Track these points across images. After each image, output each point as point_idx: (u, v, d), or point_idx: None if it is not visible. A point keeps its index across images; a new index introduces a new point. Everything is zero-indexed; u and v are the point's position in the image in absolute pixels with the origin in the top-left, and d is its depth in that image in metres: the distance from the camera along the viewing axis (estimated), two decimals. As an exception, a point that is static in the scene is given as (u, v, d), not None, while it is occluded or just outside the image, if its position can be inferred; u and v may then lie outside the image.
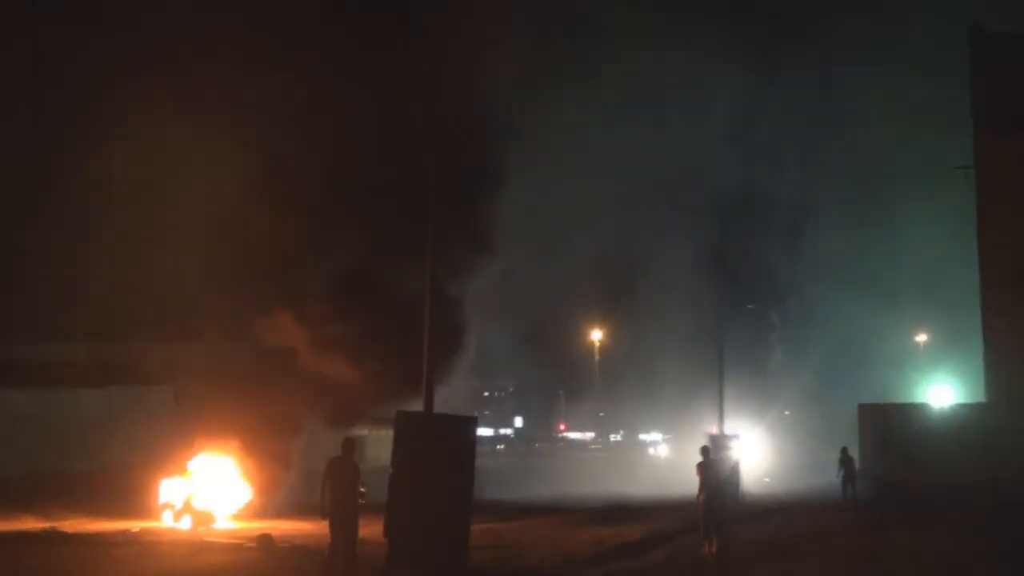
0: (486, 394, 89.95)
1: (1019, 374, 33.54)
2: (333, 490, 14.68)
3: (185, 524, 23.22)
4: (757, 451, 41.03)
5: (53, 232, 26.56)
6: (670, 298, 49.25)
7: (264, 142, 25.69)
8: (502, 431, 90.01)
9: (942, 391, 42.39)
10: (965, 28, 37.85)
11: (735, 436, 35.15)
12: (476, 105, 26.88)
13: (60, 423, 34.74)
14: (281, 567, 17.29)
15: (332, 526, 14.72)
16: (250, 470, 25.53)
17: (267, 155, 25.64)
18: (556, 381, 76.33)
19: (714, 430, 34.82)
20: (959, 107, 37.81)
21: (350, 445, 15.32)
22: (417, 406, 18.53)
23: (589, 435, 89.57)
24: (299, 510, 23.97)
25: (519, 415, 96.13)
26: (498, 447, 71.45)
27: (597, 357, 68.63)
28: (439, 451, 17.02)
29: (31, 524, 22.15)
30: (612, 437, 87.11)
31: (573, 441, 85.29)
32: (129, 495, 25.26)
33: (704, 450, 20.07)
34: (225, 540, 20.52)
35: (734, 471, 31.69)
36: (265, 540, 19.38)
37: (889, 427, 32.79)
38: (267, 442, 26.01)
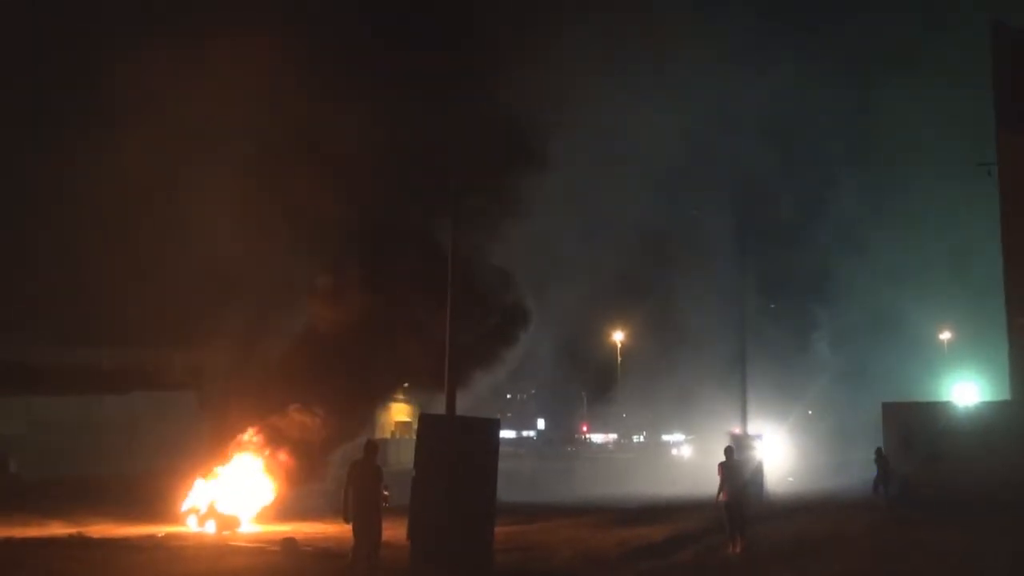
0: (508, 396, 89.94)
1: (1044, 371, 33.35)
2: (356, 493, 14.70)
3: (210, 528, 23.32)
4: (780, 451, 40.89)
5: (75, 238, 26.68)
6: (693, 298, 49.21)
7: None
8: (524, 433, 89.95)
9: (967, 389, 42.07)
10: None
11: (758, 436, 35.03)
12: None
13: (85, 429, 35.02)
14: (305, 570, 17.34)
15: (355, 529, 14.74)
16: (275, 473, 25.63)
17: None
18: (578, 382, 76.20)
19: (737, 430, 34.72)
20: (983, 104, 37.64)
21: (372, 448, 15.34)
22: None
23: (612, 436, 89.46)
24: (323, 513, 24.03)
25: (541, 417, 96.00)
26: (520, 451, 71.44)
27: (619, 358, 68.60)
28: (462, 453, 17.03)
29: (58, 529, 22.26)
30: (635, 438, 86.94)
31: (599, 445, 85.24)
32: (154, 500, 25.39)
33: (728, 450, 20.02)
34: (249, 544, 20.59)
35: (758, 471, 31.59)
36: (289, 544, 19.44)
37: (913, 426, 32.58)
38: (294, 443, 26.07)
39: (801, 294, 62.28)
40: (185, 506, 24.31)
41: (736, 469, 19.88)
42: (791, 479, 40.72)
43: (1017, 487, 27.79)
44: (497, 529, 17.45)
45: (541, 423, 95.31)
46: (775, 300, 58.85)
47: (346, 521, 14.85)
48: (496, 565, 16.98)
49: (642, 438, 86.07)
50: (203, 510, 23.92)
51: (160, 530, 22.59)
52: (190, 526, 23.65)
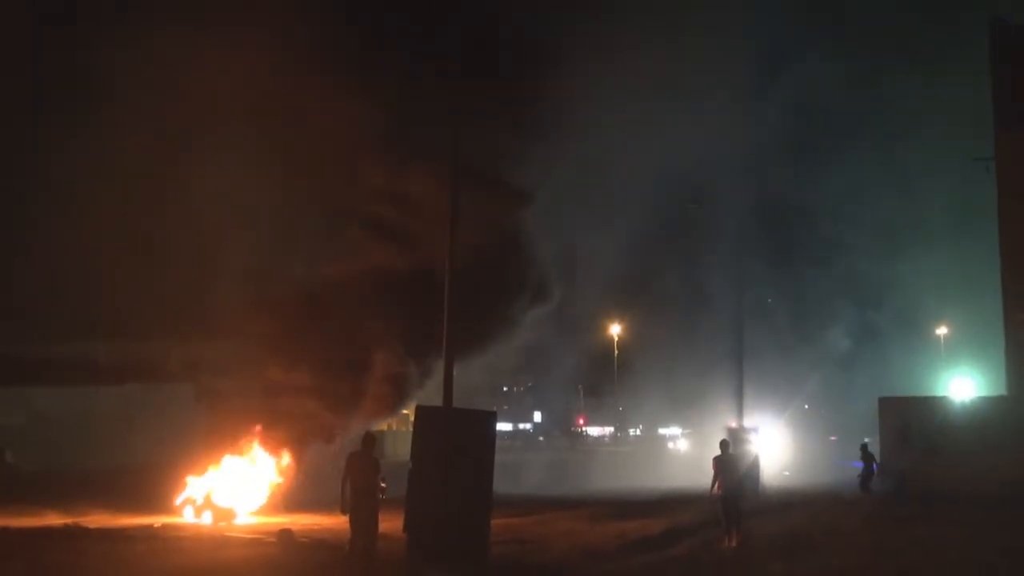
0: (505, 389, 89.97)
1: (1041, 367, 33.39)
2: (353, 485, 14.72)
3: (206, 519, 23.34)
4: (777, 445, 40.92)
5: (72, 229, 26.65)
6: (690, 290, 49.22)
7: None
8: (521, 426, 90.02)
9: (963, 384, 42.14)
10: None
11: (754, 429, 35.07)
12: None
13: (81, 420, 35.09)
14: (301, 562, 17.33)
15: (352, 521, 14.75)
16: (271, 464, 25.67)
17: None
18: (575, 375, 76.24)
19: (733, 424, 34.72)
20: (981, 98, 37.62)
21: (370, 440, 15.36)
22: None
23: (608, 429, 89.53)
24: (320, 505, 24.04)
25: (538, 410, 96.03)
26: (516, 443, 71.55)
27: (616, 351, 68.67)
28: (459, 446, 17.03)
29: (54, 520, 22.28)
30: (631, 431, 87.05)
31: (595, 438, 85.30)
32: (150, 491, 25.40)
33: (723, 444, 20.01)
34: (246, 535, 20.60)
35: (754, 465, 31.60)
36: (285, 535, 19.44)
37: (910, 421, 32.60)
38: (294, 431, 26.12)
39: (799, 288, 62.28)
40: (181, 497, 24.33)
41: (731, 463, 19.87)
42: (787, 473, 40.79)
43: (1014, 482, 27.83)
44: (493, 521, 17.45)
45: (538, 416, 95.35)
46: (772, 294, 58.83)
47: (343, 513, 14.86)
48: (492, 557, 16.98)
49: (639, 431, 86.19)
50: (199, 501, 23.95)
51: (156, 521, 22.60)
52: (186, 517, 23.68)
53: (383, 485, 14.98)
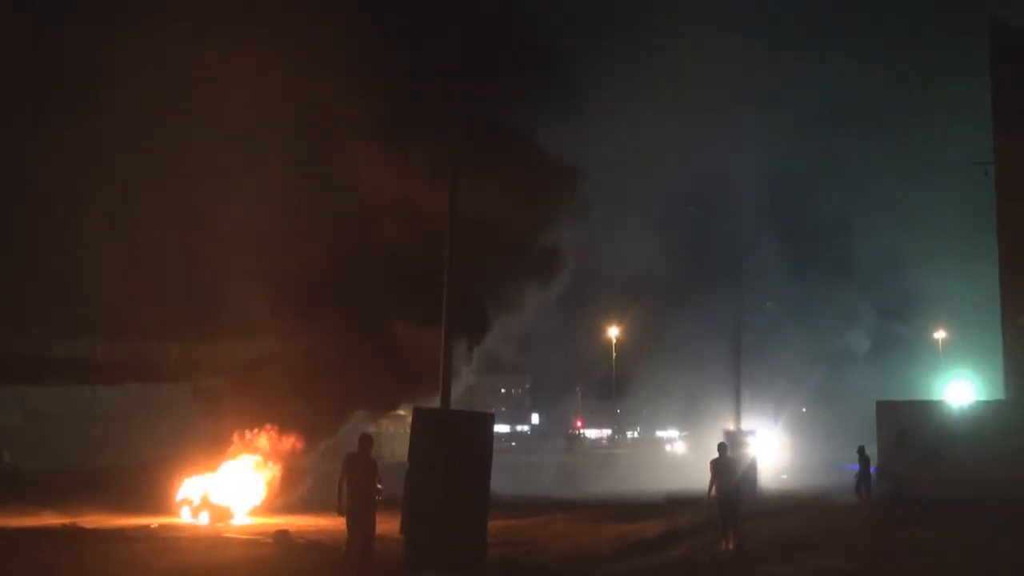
0: (503, 390, 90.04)
1: (1040, 371, 33.41)
2: (350, 486, 14.69)
3: (204, 520, 23.32)
4: (774, 448, 40.92)
5: (71, 228, 26.66)
6: (688, 295, 49.24)
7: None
8: (519, 427, 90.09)
9: (961, 388, 42.11)
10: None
11: (751, 432, 35.08)
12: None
13: (79, 420, 35.04)
14: (298, 563, 17.32)
15: (349, 522, 14.73)
16: (269, 465, 25.65)
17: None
18: (573, 377, 76.27)
19: (731, 427, 34.73)
20: (980, 102, 37.65)
21: (367, 441, 15.33)
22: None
23: (606, 432, 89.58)
24: (317, 506, 24.02)
25: (535, 412, 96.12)
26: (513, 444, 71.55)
27: (614, 354, 68.67)
28: (456, 447, 17.02)
29: (51, 520, 22.26)
30: (629, 434, 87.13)
31: (593, 440, 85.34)
32: (148, 491, 25.39)
33: (720, 447, 20.01)
34: (243, 536, 20.59)
35: (751, 468, 31.59)
36: (282, 536, 19.43)
37: (907, 424, 32.58)
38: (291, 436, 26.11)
39: (798, 291, 62.38)
40: (179, 497, 24.31)
41: (729, 466, 19.86)
42: (785, 476, 40.78)
43: (1011, 486, 27.83)
44: (491, 523, 17.44)
45: (535, 418, 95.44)
46: (772, 297, 58.90)
47: (340, 514, 14.84)
48: (490, 559, 16.97)
49: (636, 434, 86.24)
50: (197, 501, 23.92)
51: (153, 521, 22.59)
52: (184, 517, 23.65)
53: (380, 486, 14.95)
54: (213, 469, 24.81)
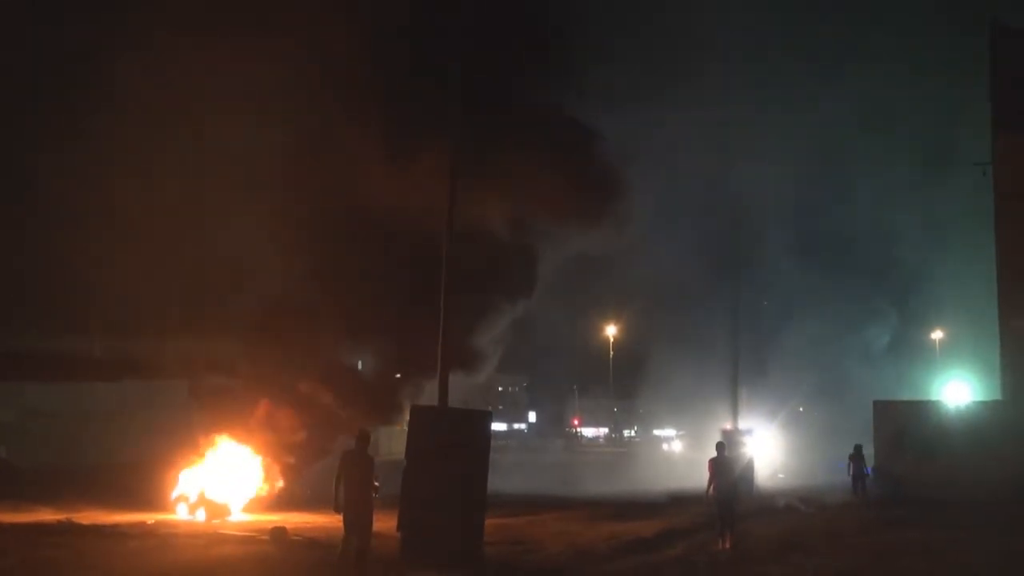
0: (500, 389, 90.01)
1: (1037, 372, 33.41)
2: (347, 483, 14.66)
3: (200, 516, 23.30)
4: (771, 447, 40.93)
5: (67, 224, 26.58)
6: (686, 293, 49.24)
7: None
8: (516, 426, 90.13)
9: (958, 388, 42.14)
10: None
11: (748, 431, 35.08)
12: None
13: (75, 416, 35.00)
14: (295, 560, 17.30)
15: (346, 520, 14.70)
16: (266, 462, 25.64)
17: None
18: (571, 376, 76.30)
19: (728, 426, 34.76)
20: (979, 103, 37.68)
21: (364, 438, 15.28)
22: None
23: (603, 430, 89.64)
24: (314, 503, 24.01)
25: (533, 410, 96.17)
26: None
27: (611, 353, 68.71)
28: (453, 445, 17.02)
29: (47, 516, 22.23)
30: (626, 433, 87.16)
31: (590, 439, 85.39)
32: (144, 487, 25.36)
33: (719, 446, 20.02)
34: (239, 532, 20.55)
35: (748, 467, 31.63)
36: (279, 533, 19.40)
37: (904, 425, 32.65)
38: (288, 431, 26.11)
39: (793, 291, 62.33)
40: (175, 494, 24.28)
41: (727, 465, 19.88)
42: (782, 476, 40.79)
43: (1008, 486, 27.90)
44: (487, 521, 17.43)
45: (532, 416, 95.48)
46: (767, 297, 58.85)
47: (336, 511, 14.81)
48: (486, 558, 16.96)
49: (633, 433, 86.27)
50: (193, 498, 23.90)
51: (150, 518, 22.56)
52: (180, 514, 23.62)
53: (377, 484, 14.92)
54: (209, 466, 24.77)
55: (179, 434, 28.06)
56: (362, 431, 15.48)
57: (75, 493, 25.21)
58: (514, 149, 24.83)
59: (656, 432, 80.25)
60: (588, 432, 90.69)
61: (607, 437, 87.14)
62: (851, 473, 30.92)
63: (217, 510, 23.59)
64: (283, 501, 25.66)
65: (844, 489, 31.26)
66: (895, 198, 64.17)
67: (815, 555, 19.09)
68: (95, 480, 27.45)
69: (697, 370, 43.93)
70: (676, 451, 63.98)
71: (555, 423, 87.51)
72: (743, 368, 36.98)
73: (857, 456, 31.09)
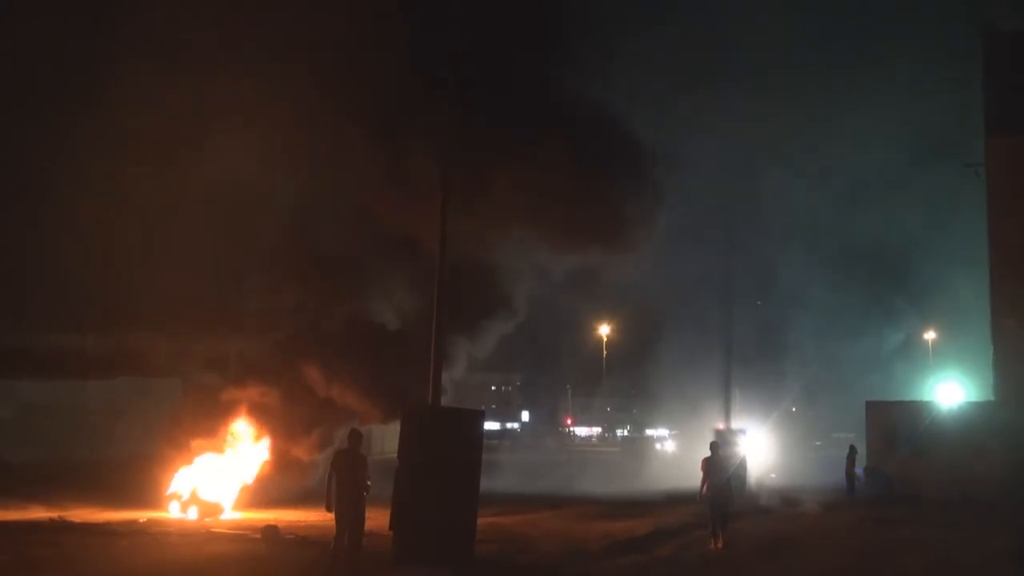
0: (493, 388, 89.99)
1: (1029, 373, 33.52)
2: (339, 482, 14.67)
3: (192, 514, 23.26)
4: (764, 447, 40.96)
5: (61, 222, 26.53)
6: (678, 292, 49.21)
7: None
8: (508, 425, 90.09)
9: (950, 388, 42.25)
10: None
11: (741, 431, 35.13)
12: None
13: (68, 413, 34.89)
14: (287, 558, 17.28)
15: (338, 518, 14.71)
16: (259, 460, 25.61)
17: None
18: (564, 375, 76.27)
19: (721, 425, 34.80)
20: (972, 104, 37.72)
21: (356, 437, 15.30)
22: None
23: (596, 430, 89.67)
24: (306, 501, 23.98)
25: (526, 409, 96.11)
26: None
27: (604, 352, 68.71)
28: (446, 444, 17.01)
29: (39, 513, 22.20)
30: (619, 432, 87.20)
31: (583, 438, 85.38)
32: (136, 485, 25.30)
33: (713, 445, 20.06)
34: (231, 531, 20.54)
35: (741, 467, 31.64)
36: (271, 531, 19.39)
37: (897, 425, 32.76)
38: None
39: (786, 290, 62.38)
40: (167, 492, 24.24)
41: (720, 464, 19.91)
42: (774, 475, 40.82)
43: (1000, 485, 27.99)
44: (479, 520, 17.43)
45: (525, 415, 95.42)
46: (761, 297, 58.86)
47: (328, 510, 14.82)
48: (478, 556, 16.96)
49: (626, 432, 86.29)
50: (185, 496, 23.86)
51: (142, 516, 22.54)
52: (172, 512, 23.58)
53: (369, 482, 14.93)
54: (202, 464, 24.74)
55: (172, 431, 28.04)
56: (353, 430, 15.51)
57: (67, 490, 25.15)
58: (523, 172, 24.81)
59: (649, 431, 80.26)
60: (581, 431, 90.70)
61: (600, 436, 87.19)
62: (847, 472, 31.05)
63: (209, 508, 23.55)
64: (276, 499, 25.61)
65: (836, 489, 31.34)
66: (885, 198, 64.27)
67: (807, 554, 19.16)
68: (87, 477, 27.37)
69: (690, 370, 43.99)
70: (669, 450, 63.99)
71: (548, 422, 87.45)
72: (736, 368, 37.04)
73: (851, 456, 31.22)
